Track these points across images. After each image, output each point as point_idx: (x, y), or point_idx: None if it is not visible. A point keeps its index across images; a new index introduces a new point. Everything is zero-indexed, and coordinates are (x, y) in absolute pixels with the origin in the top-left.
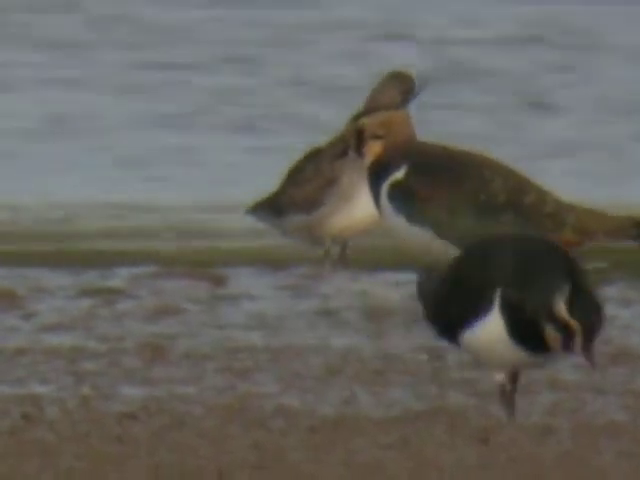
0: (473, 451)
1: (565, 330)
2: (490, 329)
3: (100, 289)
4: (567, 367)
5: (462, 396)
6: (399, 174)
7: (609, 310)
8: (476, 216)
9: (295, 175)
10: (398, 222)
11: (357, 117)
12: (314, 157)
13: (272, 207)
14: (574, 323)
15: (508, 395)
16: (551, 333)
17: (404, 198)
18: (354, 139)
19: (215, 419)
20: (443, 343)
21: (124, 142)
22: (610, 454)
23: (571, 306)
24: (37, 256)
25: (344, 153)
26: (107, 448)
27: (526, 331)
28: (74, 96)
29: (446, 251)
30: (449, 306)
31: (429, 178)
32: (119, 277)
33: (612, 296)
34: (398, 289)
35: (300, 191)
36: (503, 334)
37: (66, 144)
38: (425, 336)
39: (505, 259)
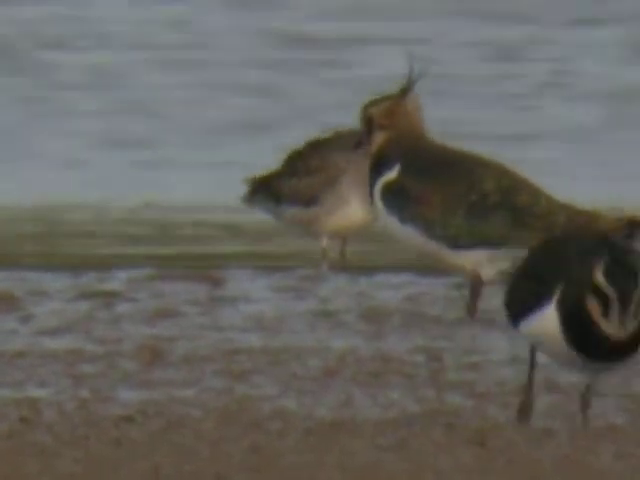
0: (471, 454)
1: (603, 297)
2: (546, 322)
3: (98, 292)
4: (564, 370)
5: (460, 398)
6: (392, 173)
7: None
8: (467, 217)
9: (298, 164)
10: (391, 222)
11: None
12: (320, 147)
13: (270, 193)
14: (610, 289)
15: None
16: (591, 303)
17: (396, 198)
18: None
19: (213, 421)
20: (441, 344)
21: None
22: (609, 457)
23: (608, 274)
24: (35, 258)
25: (359, 144)
26: (105, 451)
27: (577, 327)
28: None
29: (438, 251)
30: (515, 293)
31: (421, 178)
32: (117, 280)
33: None
34: (396, 291)
35: (300, 182)
36: (557, 330)
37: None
38: (423, 338)
39: (568, 257)
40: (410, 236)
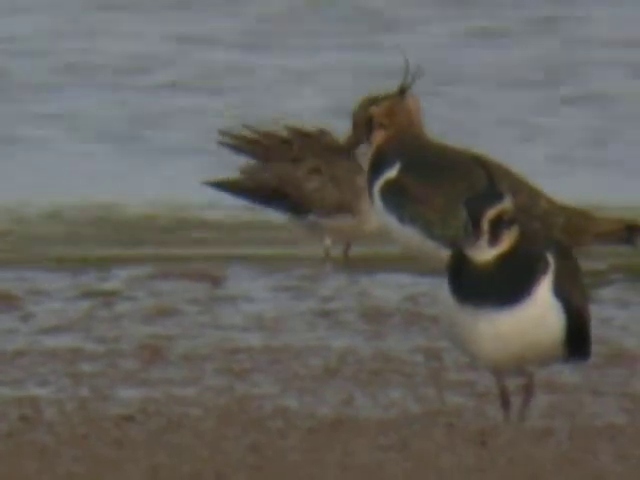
0: (471, 453)
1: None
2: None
3: (98, 291)
4: (564, 369)
5: (460, 398)
6: (392, 172)
7: (606, 311)
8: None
9: (324, 170)
10: (390, 221)
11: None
12: (340, 154)
13: (290, 199)
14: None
15: (507, 397)
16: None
17: (396, 198)
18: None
19: (213, 420)
20: (442, 344)
21: (118, 142)
22: (608, 456)
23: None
24: (35, 258)
25: (355, 144)
26: (105, 450)
27: (453, 263)
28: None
29: (437, 251)
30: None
31: (421, 178)
32: (117, 279)
33: (609, 297)
34: (396, 290)
35: (332, 193)
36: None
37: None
38: (423, 337)
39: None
40: (409, 236)
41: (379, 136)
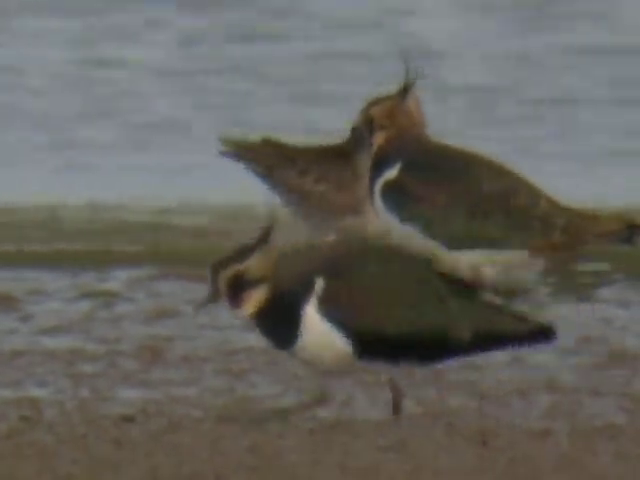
0: (471, 453)
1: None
2: None
3: (98, 292)
4: (564, 369)
5: (460, 398)
6: (392, 172)
7: (607, 311)
8: (466, 217)
9: (335, 173)
10: (390, 220)
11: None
12: (347, 158)
13: (307, 202)
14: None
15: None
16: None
17: (396, 197)
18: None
19: (212, 421)
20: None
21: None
22: (608, 456)
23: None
24: (35, 258)
25: (360, 144)
26: (105, 451)
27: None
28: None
29: (437, 250)
30: None
31: (421, 178)
32: (117, 279)
33: (610, 297)
34: None
35: (345, 195)
36: None
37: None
38: None
39: None
40: (409, 235)
41: (380, 137)
